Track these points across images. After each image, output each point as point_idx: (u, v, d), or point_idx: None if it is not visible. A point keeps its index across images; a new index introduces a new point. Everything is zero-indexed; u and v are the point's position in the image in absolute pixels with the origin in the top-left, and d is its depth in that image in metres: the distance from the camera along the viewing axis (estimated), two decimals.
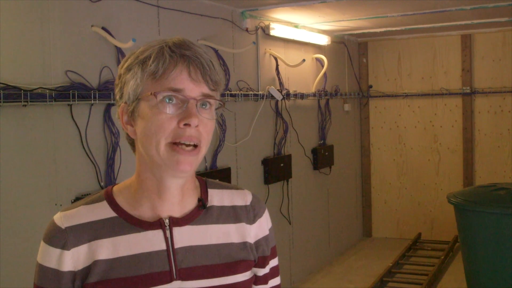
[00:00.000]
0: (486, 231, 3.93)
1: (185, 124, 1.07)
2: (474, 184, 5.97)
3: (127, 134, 1.15)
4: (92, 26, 2.88)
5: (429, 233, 6.37)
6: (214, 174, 3.74)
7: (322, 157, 5.39)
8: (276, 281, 1.29)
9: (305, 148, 5.17)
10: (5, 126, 2.45)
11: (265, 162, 4.50)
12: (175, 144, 1.07)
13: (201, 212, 1.17)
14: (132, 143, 1.16)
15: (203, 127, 1.09)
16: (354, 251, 6.12)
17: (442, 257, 5.44)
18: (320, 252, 5.54)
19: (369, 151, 6.61)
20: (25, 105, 2.49)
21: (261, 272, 1.25)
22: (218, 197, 1.22)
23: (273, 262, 1.28)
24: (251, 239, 1.22)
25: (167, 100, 1.07)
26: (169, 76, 1.07)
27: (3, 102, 2.38)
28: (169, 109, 1.07)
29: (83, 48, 2.83)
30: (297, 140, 5.01)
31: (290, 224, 4.89)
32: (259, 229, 1.24)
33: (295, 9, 4.23)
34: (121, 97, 1.12)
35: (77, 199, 2.74)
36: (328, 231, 5.74)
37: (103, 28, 2.92)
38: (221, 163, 3.92)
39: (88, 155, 2.84)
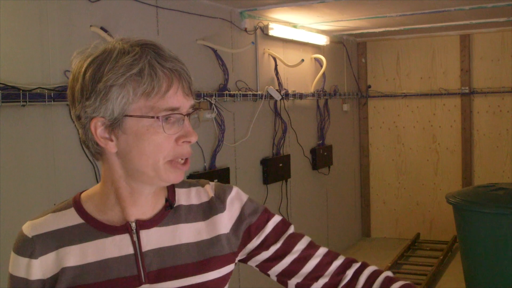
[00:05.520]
0: (485, 231, 3.93)
1: (183, 142, 1.08)
2: (473, 184, 5.97)
3: (96, 144, 1.09)
4: (90, 26, 2.88)
5: (428, 233, 6.37)
6: (213, 174, 3.74)
7: (321, 157, 5.39)
8: (289, 231, 1.23)
9: (304, 148, 5.17)
10: (4, 126, 2.44)
11: (264, 162, 4.50)
12: (171, 161, 1.08)
13: (168, 213, 1.16)
14: (99, 152, 1.11)
15: None
16: (352, 251, 6.12)
17: (441, 257, 5.44)
18: None
19: (368, 151, 6.61)
20: (23, 105, 2.49)
21: (254, 244, 1.21)
22: (185, 196, 1.20)
23: (271, 224, 1.23)
24: (227, 228, 1.19)
25: (164, 120, 1.05)
26: (165, 95, 1.05)
27: (2, 102, 2.38)
28: (168, 130, 1.06)
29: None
30: (296, 140, 5.01)
31: None
32: (231, 209, 1.20)
33: (293, 9, 4.23)
34: (94, 111, 1.05)
35: None
36: (327, 231, 5.75)
37: (102, 28, 2.91)
38: (220, 163, 3.92)
39: (86, 155, 2.83)
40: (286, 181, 4.84)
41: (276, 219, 1.25)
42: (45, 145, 2.65)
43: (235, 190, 1.24)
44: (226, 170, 3.94)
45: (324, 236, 5.67)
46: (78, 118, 1.09)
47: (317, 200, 5.53)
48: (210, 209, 1.20)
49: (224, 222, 1.19)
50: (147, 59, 1.04)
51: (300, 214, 5.12)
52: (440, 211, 6.19)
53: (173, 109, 1.06)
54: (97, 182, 2.85)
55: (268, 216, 1.24)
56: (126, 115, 1.05)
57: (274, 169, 4.57)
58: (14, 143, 2.50)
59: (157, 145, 1.06)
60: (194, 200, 1.20)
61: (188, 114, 1.09)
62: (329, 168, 5.68)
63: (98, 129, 1.06)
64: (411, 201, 6.46)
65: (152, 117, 1.04)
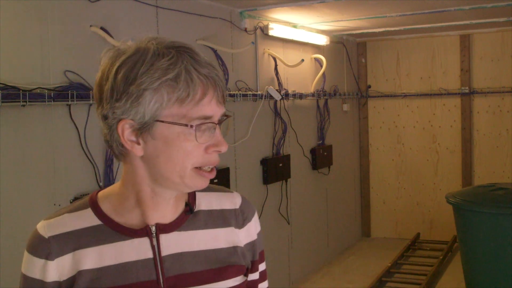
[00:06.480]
0: (485, 231, 3.93)
1: (213, 151, 1.07)
2: (473, 184, 5.97)
3: (121, 146, 1.06)
4: (90, 26, 2.88)
5: (427, 233, 6.37)
6: None
7: (321, 157, 5.39)
8: (264, 284, 1.27)
9: (304, 148, 5.17)
10: (4, 126, 2.44)
11: (264, 162, 4.50)
12: (198, 168, 1.07)
13: (188, 217, 1.15)
14: (123, 154, 1.08)
15: None
16: (352, 251, 6.12)
17: (441, 257, 5.44)
18: (319, 252, 5.54)
19: (368, 151, 6.61)
20: (23, 105, 2.49)
21: (250, 277, 1.23)
22: (206, 201, 1.18)
23: (262, 267, 1.26)
24: (241, 243, 1.19)
25: (196, 127, 1.03)
26: (199, 102, 1.02)
27: (2, 102, 2.38)
28: (200, 138, 1.04)
29: (81, 48, 2.83)
30: (296, 140, 5.01)
31: (289, 224, 4.89)
32: (248, 233, 1.21)
33: (293, 9, 4.23)
34: (123, 113, 1.02)
35: (75, 199, 2.74)
36: (327, 231, 5.74)
37: (102, 28, 2.91)
38: (219, 163, 3.91)
39: (86, 155, 2.83)
40: (286, 181, 4.84)
41: (262, 266, 1.26)
42: (45, 145, 2.64)
43: (256, 216, 1.24)
44: (226, 170, 3.94)
45: (324, 236, 5.67)
46: (105, 118, 1.05)
47: (317, 200, 5.53)
48: (230, 218, 1.19)
49: (240, 236, 1.19)
50: (184, 64, 1.01)
51: (300, 214, 5.12)
52: (440, 211, 6.19)
53: (206, 118, 1.03)
54: (97, 182, 2.87)
55: (261, 259, 1.25)
56: (157, 120, 1.02)
57: (274, 169, 4.57)
58: (14, 143, 2.50)
59: (186, 152, 1.04)
60: (215, 206, 1.19)
61: (220, 122, 1.07)
62: (329, 168, 5.68)
63: (126, 132, 1.03)
64: (411, 201, 6.46)
65: (186, 125, 1.02)
